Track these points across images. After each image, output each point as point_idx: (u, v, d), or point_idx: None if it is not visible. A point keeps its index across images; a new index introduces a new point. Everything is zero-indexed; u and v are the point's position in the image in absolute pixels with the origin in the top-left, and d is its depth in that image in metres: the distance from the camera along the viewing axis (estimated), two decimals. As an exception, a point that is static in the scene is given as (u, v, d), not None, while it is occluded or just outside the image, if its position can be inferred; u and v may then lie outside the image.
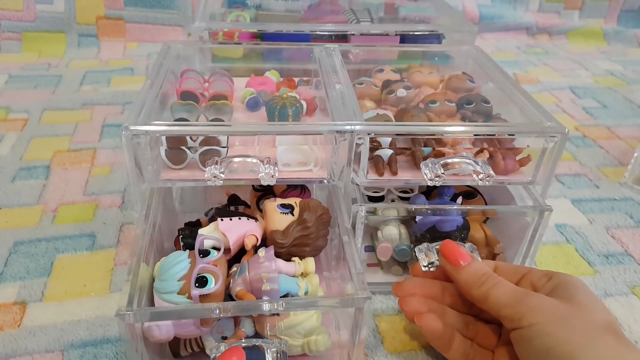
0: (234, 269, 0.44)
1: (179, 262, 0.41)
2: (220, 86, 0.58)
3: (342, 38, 0.75)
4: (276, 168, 0.44)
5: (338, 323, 0.46)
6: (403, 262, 0.53)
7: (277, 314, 0.41)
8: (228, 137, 0.47)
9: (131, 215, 0.62)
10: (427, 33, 0.74)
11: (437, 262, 0.48)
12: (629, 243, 0.61)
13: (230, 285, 0.42)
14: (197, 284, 0.39)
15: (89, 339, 0.47)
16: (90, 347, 0.46)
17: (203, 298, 0.40)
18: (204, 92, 0.57)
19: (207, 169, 0.44)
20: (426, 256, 0.48)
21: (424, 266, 0.48)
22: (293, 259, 0.45)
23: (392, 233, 0.52)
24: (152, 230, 0.45)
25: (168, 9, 1.15)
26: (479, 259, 0.48)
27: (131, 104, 0.88)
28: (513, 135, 0.49)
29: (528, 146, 0.49)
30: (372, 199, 0.55)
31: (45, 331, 0.47)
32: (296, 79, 0.63)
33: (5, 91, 0.92)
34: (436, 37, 0.75)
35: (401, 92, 0.57)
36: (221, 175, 0.43)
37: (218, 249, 0.43)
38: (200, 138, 0.46)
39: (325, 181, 0.48)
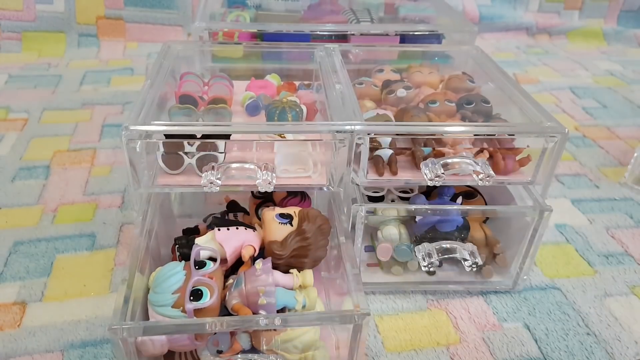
0: (231, 280, 0.43)
1: (174, 274, 0.40)
2: (220, 90, 0.58)
3: (342, 38, 0.74)
4: (274, 175, 0.44)
5: (337, 337, 0.45)
6: (403, 262, 0.53)
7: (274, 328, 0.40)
8: (226, 143, 0.47)
9: (131, 215, 0.62)
10: (427, 33, 0.74)
11: (437, 262, 0.48)
12: (629, 243, 0.61)
13: (227, 298, 0.41)
14: (191, 298, 0.39)
15: (89, 339, 0.47)
16: (90, 347, 0.46)
17: (198, 312, 0.39)
18: (203, 95, 0.57)
19: (203, 175, 0.44)
20: (426, 256, 0.48)
21: (424, 266, 0.48)
22: (291, 271, 0.44)
23: (392, 233, 0.52)
24: (148, 239, 0.44)
25: (168, 9, 1.15)
26: (479, 260, 0.48)
27: (131, 104, 0.88)
28: (513, 135, 0.49)
29: (528, 146, 0.49)
30: (372, 199, 0.55)
31: (45, 331, 0.47)
32: (297, 83, 0.63)
33: (5, 91, 0.92)
34: (436, 37, 0.75)
35: (401, 92, 0.57)
36: (217, 181, 0.43)
37: (214, 260, 0.42)
38: (197, 143, 0.46)
39: (324, 188, 0.48)
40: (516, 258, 0.52)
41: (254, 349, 0.41)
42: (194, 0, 1.15)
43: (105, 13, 1.12)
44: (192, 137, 0.46)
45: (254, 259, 0.44)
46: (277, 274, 0.43)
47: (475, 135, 0.49)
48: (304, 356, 0.41)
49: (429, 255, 0.48)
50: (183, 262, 0.42)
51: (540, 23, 1.32)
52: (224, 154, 0.47)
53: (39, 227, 0.60)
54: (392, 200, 0.55)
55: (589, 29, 1.33)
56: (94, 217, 0.62)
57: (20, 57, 1.06)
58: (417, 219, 0.51)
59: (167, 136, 0.45)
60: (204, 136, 0.46)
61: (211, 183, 0.43)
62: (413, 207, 0.50)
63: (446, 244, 0.49)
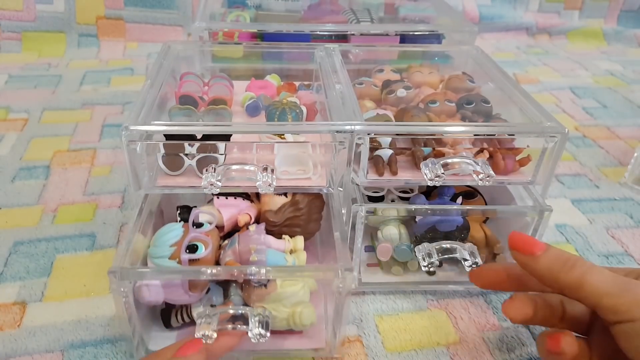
0: (226, 242, 0.46)
1: (173, 231, 0.44)
2: (220, 90, 0.58)
3: (342, 38, 0.75)
4: (274, 176, 0.44)
5: (326, 306, 0.48)
6: (403, 262, 0.53)
7: (265, 285, 0.43)
8: (226, 144, 0.47)
9: (131, 215, 0.62)
10: (427, 33, 0.74)
11: (437, 262, 0.48)
12: (629, 243, 0.61)
13: (221, 256, 0.44)
14: (187, 250, 0.42)
15: (89, 339, 0.47)
16: (90, 347, 0.46)
17: (192, 263, 0.42)
18: (203, 95, 0.57)
19: (203, 176, 0.44)
20: (426, 256, 0.48)
21: (424, 266, 0.48)
22: (283, 236, 0.47)
23: (392, 233, 0.52)
24: (151, 205, 0.47)
25: (168, 9, 1.15)
26: (479, 260, 0.48)
27: (131, 104, 0.88)
28: (513, 135, 0.49)
29: (528, 146, 0.49)
30: (372, 199, 0.55)
31: (45, 331, 0.47)
32: (297, 83, 0.63)
33: (5, 91, 0.92)
34: (436, 37, 0.75)
35: (401, 92, 0.57)
36: (218, 183, 0.43)
37: (211, 224, 0.46)
38: (198, 144, 0.46)
39: (324, 189, 0.48)
40: (516, 258, 0.52)
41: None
42: (194, 0, 1.15)
43: (105, 13, 1.12)
44: (192, 138, 0.46)
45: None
46: (270, 238, 0.46)
47: (475, 135, 0.49)
48: (292, 312, 0.43)
49: (429, 255, 0.48)
50: (182, 222, 0.46)
51: (540, 23, 1.32)
52: (224, 156, 0.47)
53: (39, 227, 0.60)
54: (392, 200, 0.55)
55: (589, 29, 1.33)
56: (94, 217, 0.62)
57: (20, 57, 1.06)
58: (417, 219, 0.51)
59: (168, 137, 0.45)
60: (204, 137, 0.46)
61: (211, 185, 0.43)
62: (413, 207, 0.50)
63: (446, 244, 0.49)
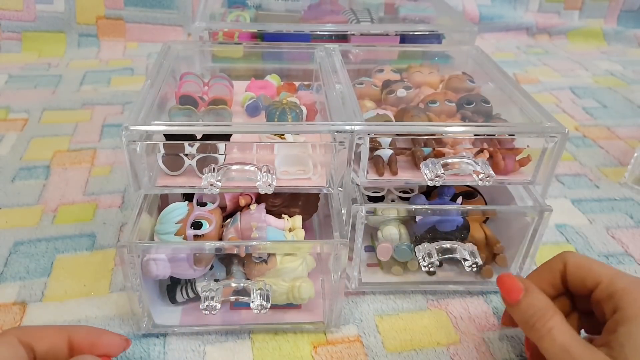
0: (228, 220, 0.48)
1: (178, 209, 0.46)
2: (220, 90, 0.58)
3: (342, 38, 0.75)
4: (274, 176, 0.44)
5: (323, 282, 0.51)
6: (403, 262, 0.53)
7: (265, 261, 0.45)
8: (226, 144, 0.47)
9: (131, 215, 0.62)
10: (427, 33, 0.74)
11: (437, 262, 0.48)
12: (629, 243, 0.61)
13: (223, 234, 0.46)
14: (192, 227, 0.45)
15: (89, 339, 0.46)
16: (90, 347, 0.46)
17: (197, 239, 0.45)
18: (203, 95, 0.57)
19: (203, 176, 0.44)
20: (426, 256, 0.48)
21: (424, 266, 0.48)
22: (282, 215, 0.49)
23: (392, 233, 0.52)
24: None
25: (168, 9, 1.15)
26: (479, 260, 0.48)
27: (131, 104, 0.88)
28: (513, 135, 0.49)
29: (528, 146, 0.49)
30: (372, 199, 0.55)
31: (45, 331, 0.47)
32: (297, 83, 0.63)
33: (5, 91, 0.92)
34: (436, 37, 0.75)
35: (401, 92, 0.57)
36: (218, 183, 0.43)
37: (214, 203, 0.49)
38: (198, 144, 0.46)
39: (324, 190, 0.48)
40: (516, 258, 0.52)
41: None
42: (194, 0, 1.15)
43: (105, 13, 1.12)
44: (192, 138, 0.46)
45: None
46: (270, 217, 0.48)
47: (475, 135, 0.49)
48: (291, 286, 0.45)
49: (429, 255, 0.48)
50: (187, 201, 0.48)
51: (540, 23, 1.32)
52: (224, 156, 0.47)
53: (39, 227, 0.60)
54: (392, 200, 0.55)
55: (589, 29, 1.33)
56: (94, 217, 0.62)
57: (20, 57, 1.06)
58: (417, 219, 0.51)
59: (168, 137, 0.45)
60: (204, 137, 0.46)
61: (211, 185, 0.43)
62: (413, 207, 0.50)
63: (446, 244, 0.49)
